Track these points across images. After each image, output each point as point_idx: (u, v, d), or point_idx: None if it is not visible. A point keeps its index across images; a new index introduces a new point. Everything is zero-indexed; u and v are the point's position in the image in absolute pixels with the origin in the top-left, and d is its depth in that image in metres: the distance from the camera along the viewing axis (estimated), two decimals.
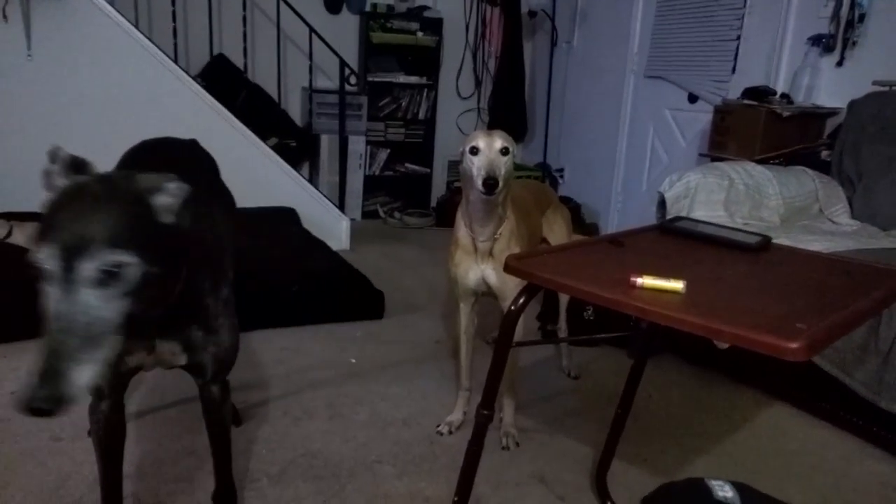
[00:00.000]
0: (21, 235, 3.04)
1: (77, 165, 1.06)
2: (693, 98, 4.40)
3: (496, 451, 2.19)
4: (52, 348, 0.94)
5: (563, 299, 2.79)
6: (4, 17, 3.41)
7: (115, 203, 1.02)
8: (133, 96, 3.73)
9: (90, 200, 1.00)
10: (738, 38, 4.00)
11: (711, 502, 0.92)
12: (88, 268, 0.97)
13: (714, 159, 3.46)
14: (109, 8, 3.62)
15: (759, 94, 3.48)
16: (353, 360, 2.82)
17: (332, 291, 3.31)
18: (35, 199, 3.67)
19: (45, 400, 0.91)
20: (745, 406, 2.61)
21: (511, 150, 1.99)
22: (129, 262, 1.00)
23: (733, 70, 4.04)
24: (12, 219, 3.14)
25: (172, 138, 1.87)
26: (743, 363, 2.72)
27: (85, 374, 0.95)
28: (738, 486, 0.98)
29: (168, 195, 1.08)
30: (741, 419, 2.51)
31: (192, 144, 1.90)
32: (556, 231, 2.63)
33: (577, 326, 2.96)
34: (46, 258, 0.96)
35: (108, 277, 0.98)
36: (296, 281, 3.20)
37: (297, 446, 2.17)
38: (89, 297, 0.98)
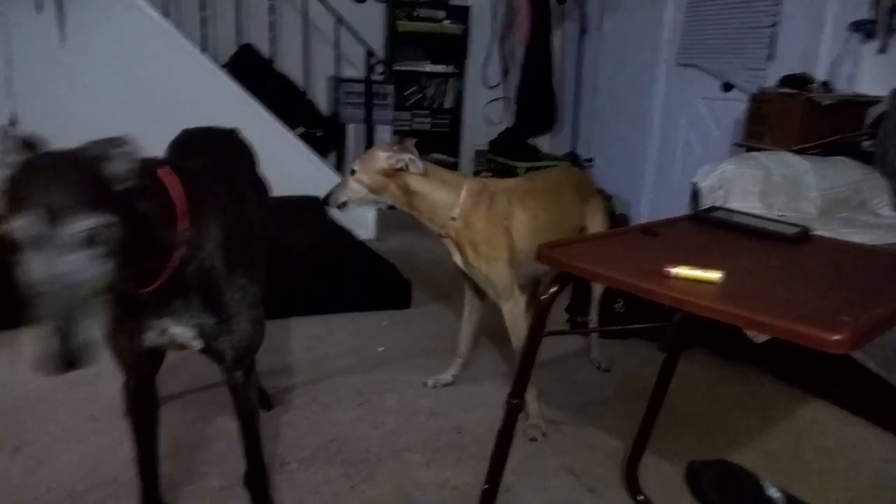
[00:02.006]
0: None
1: (29, 144, 1.08)
2: (728, 86, 4.32)
3: (524, 442, 2.18)
4: (51, 310, 0.98)
5: (596, 291, 2.75)
6: (40, 7, 3.46)
7: (78, 171, 1.04)
8: (162, 85, 3.76)
9: (55, 171, 1.03)
10: (775, 24, 3.91)
11: (762, 497, 0.90)
12: (68, 231, 0.99)
13: (749, 149, 3.39)
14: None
15: (797, 81, 3.40)
16: (381, 349, 2.83)
17: (359, 280, 3.31)
18: None
19: (62, 355, 0.97)
20: (782, 402, 2.56)
21: (357, 170, 2.18)
22: (105, 223, 1.02)
23: (770, 57, 3.95)
24: None
25: (214, 127, 1.89)
26: (780, 358, 2.67)
27: (88, 330, 1.00)
28: (784, 493, 0.96)
29: (118, 162, 1.09)
30: (778, 416, 2.46)
31: (232, 133, 1.92)
32: (598, 221, 2.59)
33: (606, 318, 2.92)
34: (25, 227, 0.98)
35: (86, 239, 1.01)
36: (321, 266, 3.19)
37: (326, 432, 2.18)
38: (72, 259, 1.00)
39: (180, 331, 1.39)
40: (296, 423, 2.23)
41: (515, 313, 2.24)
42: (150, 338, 1.39)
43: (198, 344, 1.43)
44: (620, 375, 2.73)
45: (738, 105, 4.07)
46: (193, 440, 2.08)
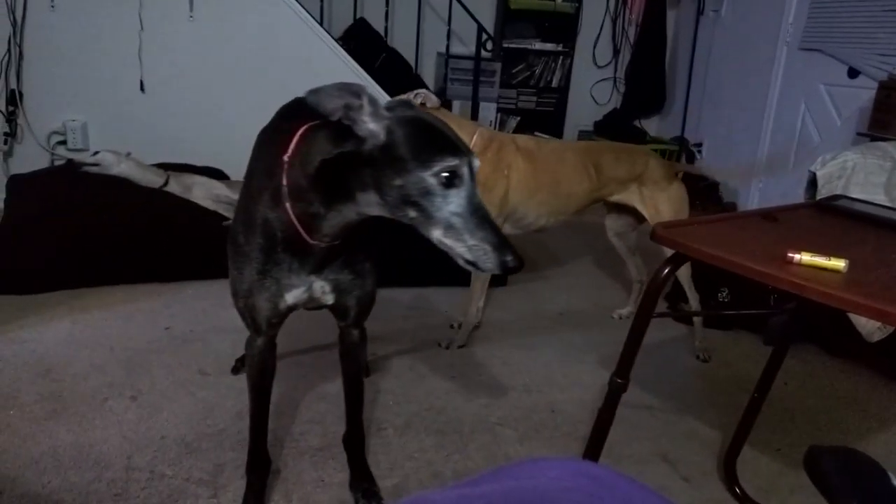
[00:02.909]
0: (177, 185, 3.25)
1: (403, 103, 1.25)
2: (854, 73, 4.07)
3: (619, 426, 2.15)
4: (493, 226, 1.17)
5: (684, 280, 2.68)
6: None
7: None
8: (281, 56, 3.89)
9: (441, 123, 1.21)
10: None
11: (890, 488, 0.87)
12: (474, 169, 1.19)
13: (875, 139, 3.20)
14: None
15: None
16: (477, 325, 2.86)
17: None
18: (188, 151, 3.91)
19: (514, 260, 1.16)
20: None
21: None
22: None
23: None
24: (169, 169, 3.36)
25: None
26: (895, 359, 2.53)
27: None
28: None
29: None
30: (891, 419, 2.34)
31: None
32: (662, 210, 2.58)
33: (710, 308, 2.84)
34: (462, 165, 1.15)
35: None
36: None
37: (422, 401, 2.22)
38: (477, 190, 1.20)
39: (320, 285, 1.44)
40: (393, 389, 2.28)
41: None
42: (295, 295, 1.43)
43: (330, 299, 1.48)
44: (720, 366, 2.65)
45: (863, 93, 3.85)
46: (295, 400, 2.16)
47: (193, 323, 2.64)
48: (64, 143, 3.78)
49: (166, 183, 3.25)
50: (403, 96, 2.35)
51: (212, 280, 2.97)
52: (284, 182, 1.27)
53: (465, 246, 1.16)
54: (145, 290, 2.90)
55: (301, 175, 1.25)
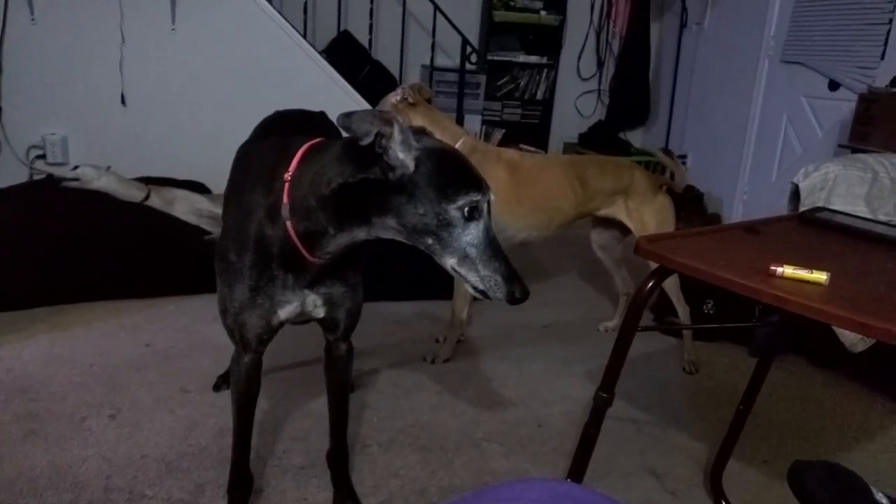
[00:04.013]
0: (159, 199, 3.22)
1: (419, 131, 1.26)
2: (834, 85, 4.11)
3: (605, 440, 2.14)
4: (504, 258, 1.23)
5: (672, 292, 2.68)
6: None
7: None
8: (265, 69, 3.87)
9: (464, 157, 1.28)
10: (891, 21, 3.69)
11: (871, 500, 0.86)
12: (491, 203, 1.26)
13: (855, 151, 3.23)
14: None
15: None
16: (462, 338, 2.84)
17: (440, 269, 3.32)
18: (169, 165, 3.88)
19: (521, 291, 1.21)
20: (879, 416, 2.44)
21: None
22: None
23: (882, 56, 3.73)
24: (150, 183, 3.33)
25: (304, 110, 1.93)
26: (877, 369, 2.53)
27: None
28: (893, 501, 0.91)
29: None
30: (874, 429, 2.34)
31: (322, 116, 1.96)
32: (648, 222, 2.59)
33: (695, 319, 2.84)
34: (484, 199, 1.22)
35: None
36: None
37: (407, 416, 2.20)
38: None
39: (312, 299, 1.45)
40: (377, 405, 2.26)
41: None
42: (288, 311, 1.43)
43: (321, 313, 1.49)
44: (707, 378, 2.65)
45: (844, 105, 3.88)
46: (278, 417, 2.14)
47: (175, 339, 2.61)
48: (43, 157, 3.74)
49: (147, 197, 3.21)
50: (391, 94, 2.41)
51: (193, 295, 2.94)
52: (285, 200, 1.27)
53: (477, 276, 1.22)
54: (126, 305, 2.87)
55: (310, 194, 1.25)
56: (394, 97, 2.42)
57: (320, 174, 1.24)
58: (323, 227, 1.27)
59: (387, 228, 1.23)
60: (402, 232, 1.22)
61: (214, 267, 1.48)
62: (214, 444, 1.95)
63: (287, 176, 1.27)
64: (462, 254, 1.21)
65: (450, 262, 1.23)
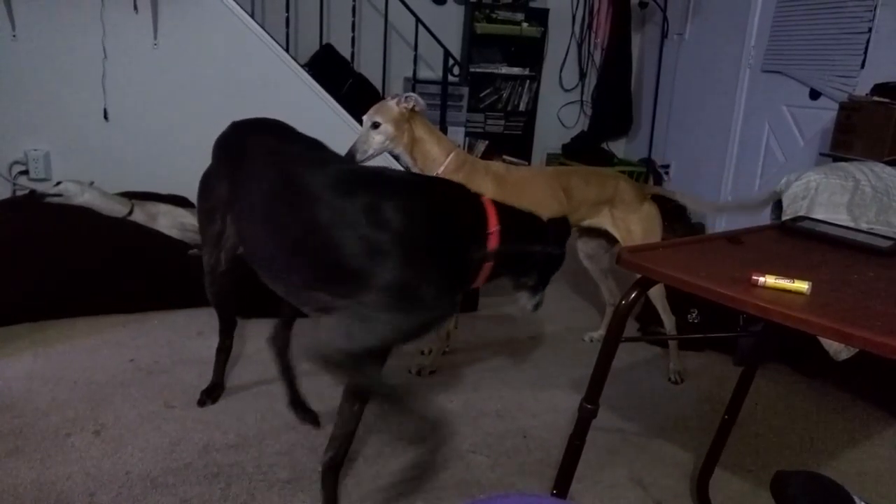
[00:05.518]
0: (142, 214, 3.20)
1: None
2: (815, 94, 4.16)
3: (591, 451, 2.14)
4: None
5: (658, 302, 2.70)
6: (136, 8, 3.60)
7: None
8: (247, 83, 3.86)
9: None
10: (870, 30, 3.74)
11: None
12: None
13: (836, 159, 3.26)
14: (230, 0, 3.77)
15: (891, 90, 3.25)
16: (447, 350, 2.83)
17: None
18: (153, 179, 3.84)
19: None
20: (863, 423, 2.45)
21: (380, 122, 2.36)
22: None
23: (862, 65, 3.79)
24: (133, 198, 3.31)
25: (261, 118, 1.95)
26: (861, 377, 2.55)
27: None
28: None
29: None
30: (859, 437, 2.36)
31: (277, 123, 1.94)
32: (634, 231, 2.60)
33: (680, 330, 2.86)
34: None
35: None
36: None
37: (393, 429, 2.19)
38: None
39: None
40: (363, 418, 2.24)
41: None
42: None
43: None
44: (692, 388, 2.66)
45: (825, 114, 3.93)
46: (263, 431, 2.12)
47: (158, 354, 2.59)
48: (26, 172, 3.70)
49: (131, 212, 3.19)
50: (392, 98, 2.42)
51: (177, 310, 2.92)
52: None
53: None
54: (109, 321, 2.84)
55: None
56: (396, 103, 2.40)
57: None
58: None
59: None
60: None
61: None
62: (199, 460, 1.94)
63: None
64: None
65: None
